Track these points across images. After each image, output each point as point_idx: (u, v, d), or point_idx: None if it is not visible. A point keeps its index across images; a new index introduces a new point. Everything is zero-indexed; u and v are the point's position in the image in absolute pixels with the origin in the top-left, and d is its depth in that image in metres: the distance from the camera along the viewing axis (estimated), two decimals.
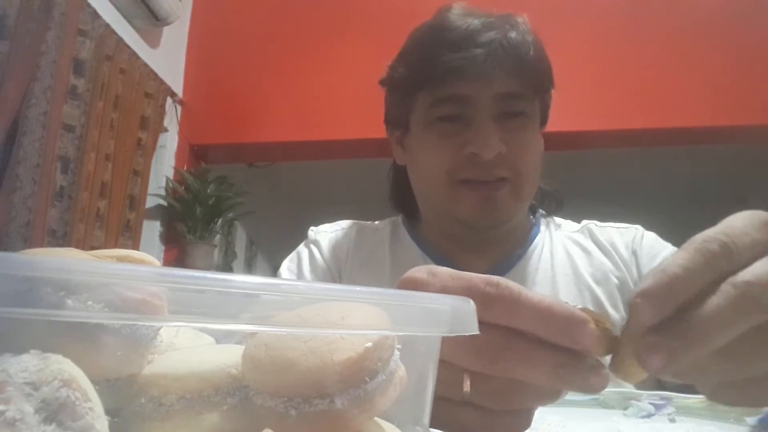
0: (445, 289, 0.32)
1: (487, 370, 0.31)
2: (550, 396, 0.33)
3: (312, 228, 0.89)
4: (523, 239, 0.81)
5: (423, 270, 0.34)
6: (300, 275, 0.82)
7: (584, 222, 0.84)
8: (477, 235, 0.76)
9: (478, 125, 0.70)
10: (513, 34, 0.70)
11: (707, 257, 0.29)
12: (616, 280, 0.76)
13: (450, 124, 0.72)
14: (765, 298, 0.28)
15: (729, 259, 0.29)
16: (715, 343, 0.28)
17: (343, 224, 0.88)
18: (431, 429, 0.28)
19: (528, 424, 0.34)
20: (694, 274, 0.28)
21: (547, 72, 0.75)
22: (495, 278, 0.31)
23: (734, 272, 0.29)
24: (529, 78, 0.72)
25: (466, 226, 0.75)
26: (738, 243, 0.29)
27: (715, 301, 0.28)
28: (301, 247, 0.87)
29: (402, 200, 0.87)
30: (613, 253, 0.78)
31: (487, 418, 0.33)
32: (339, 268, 0.83)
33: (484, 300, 0.30)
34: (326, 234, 0.87)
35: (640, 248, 0.78)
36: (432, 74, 0.71)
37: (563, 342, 0.30)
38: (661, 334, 0.28)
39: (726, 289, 0.28)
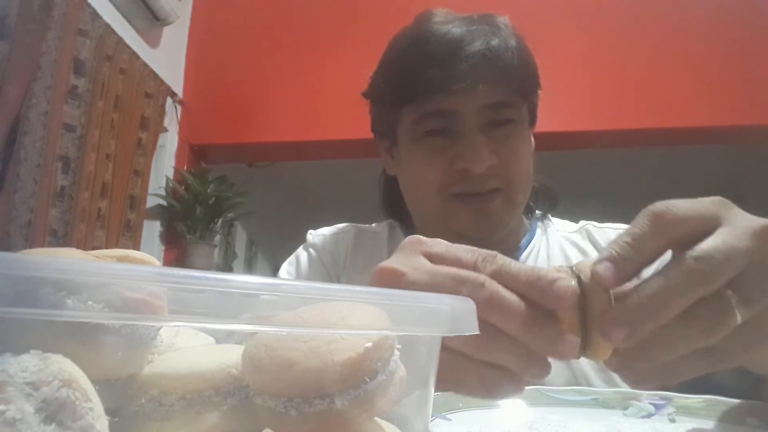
0: (449, 251, 0.37)
1: None
2: (522, 359, 0.33)
3: (311, 231, 0.89)
4: (519, 242, 0.80)
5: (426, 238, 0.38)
6: (299, 278, 0.82)
7: (582, 222, 0.83)
8: (471, 242, 0.76)
9: (466, 139, 0.69)
10: (495, 42, 0.68)
11: (652, 219, 0.32)
12: None
13: (438, 138, 0.71)
14: (710, 273, 0.30)
15: (675, 219, 0.32)
16: (668, 314, 0.31)
17: (342, 227, 0.88)
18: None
19: (504, 389, 0.34)
20: (642, 237, 0.32)
21: (532, 75, 0.74)
22: (494, 252, 0.36)
23: (686, 235, 0.32)
24: (514, 85, 0.71)
25: (460, 236, 0.74)
26: (682, 206, 0.32)
27: (666, 276, 0.31)
28: (300, 251, 0.86)
29: (395, 208, 0.86)
30: None
31: (460, 363, 0.33)
32: (338, 272, 0.82)
33: (484, 263, 0.35)
34: (325, 237, 0.86)
35: None
36: (415, 91, 0.70)
37: (536, 296, 0.33)
38: (621, 309, 0.31)
39: (675, 265, 0.31)
